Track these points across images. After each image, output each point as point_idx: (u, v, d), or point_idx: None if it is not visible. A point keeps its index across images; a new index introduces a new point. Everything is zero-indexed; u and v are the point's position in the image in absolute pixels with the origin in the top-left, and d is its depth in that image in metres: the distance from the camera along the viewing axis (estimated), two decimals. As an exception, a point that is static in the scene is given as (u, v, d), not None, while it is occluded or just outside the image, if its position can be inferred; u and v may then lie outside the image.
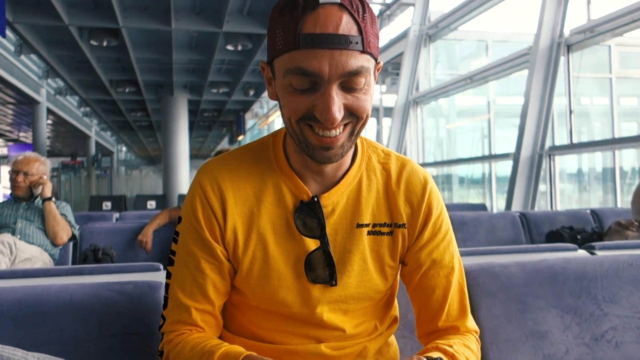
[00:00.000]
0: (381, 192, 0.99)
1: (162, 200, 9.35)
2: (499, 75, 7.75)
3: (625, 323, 1.37)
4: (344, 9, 0.82)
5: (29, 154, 3.23)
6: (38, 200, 3.11)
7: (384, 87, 13.80)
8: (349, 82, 0.84)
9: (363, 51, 0.83)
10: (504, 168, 6.78)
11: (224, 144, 25.02)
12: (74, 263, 3.40)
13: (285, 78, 0.84)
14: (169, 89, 11.56)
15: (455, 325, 0.99)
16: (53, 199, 3.12)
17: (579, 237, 3.82)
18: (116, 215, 5.29)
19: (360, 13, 0.84)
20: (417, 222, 0.98)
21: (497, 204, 8.41)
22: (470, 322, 1.02)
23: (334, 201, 0.96)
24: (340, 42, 0.81)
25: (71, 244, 3.32)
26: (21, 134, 22.51)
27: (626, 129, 10.39)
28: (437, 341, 0.93)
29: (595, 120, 9.04)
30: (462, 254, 1.51)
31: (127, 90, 11.58)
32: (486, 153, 9.21)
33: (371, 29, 0.85)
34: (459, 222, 3.95)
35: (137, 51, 8.69)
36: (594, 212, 4.26)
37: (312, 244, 0.94)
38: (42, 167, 3.16)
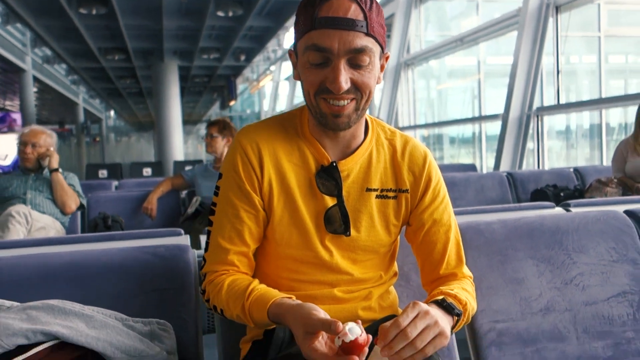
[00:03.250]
0: (388, 162, 1.17)
1: (158, 168, 9.46)
2: (489, 36, 7.83)
3: (592, 269, 1.57)
4: (354, 1, 1.01)
5: (36, 127, 3.35)
6: (46, 171, 3.24)
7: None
8: (355, 59, 1.03)
9: (367, 34, 1.02)
10: (494, 127, 6.93)
11: (215, 109, 24.96)
12: (83, 231, 3.57)
13: (304, 55, 1.04)
14: (159, 56, 11.52)
15: (454, 272, 1.19)
16: (60, 169, 3.26)
17: (562, 194, 4.02)
18: (115, 183, 5.43)
19: (368, 4, 1.03)
20: (419, 188, 1.18)
21: (487, 163, 8.58)
22: (466, 269, 1.22)
23: (349, 167, 1.14)
24: (348, 24, 1.00)
25: (79, 212, 3.47)
26: (7, 102, 22.29)
27: (614, 86, 10.54)
28: (440, 287, 1.12)
29: (584, 79, 9.17)
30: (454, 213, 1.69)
31: (116, 57, 11.53)
32: (476, 114, 9.33)
33: (376, 17, 1.04)
34: (450, 182, 4.13)
35: (127, 18, 8.66)
36: (577, 171, 4.46)
37: (330, 202, 1.12)
38: (49, 139, 3.29)
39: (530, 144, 6.70)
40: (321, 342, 0.89)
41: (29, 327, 1.02)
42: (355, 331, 0.86)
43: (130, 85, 16.39)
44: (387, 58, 1.09)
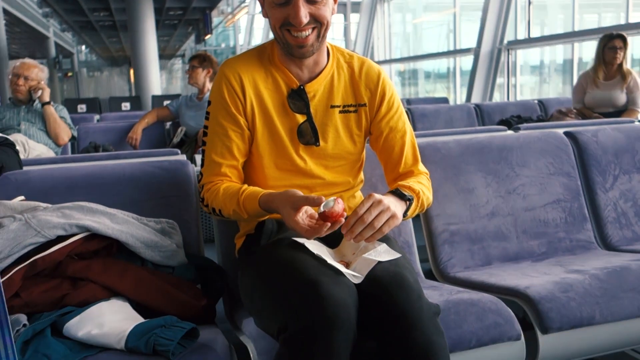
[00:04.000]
0: (348, 82, 1.39)
1: (137, 102, 9.50)
2: (464, -32, 7.86)
3: (532, 181, 1.85)
4: None
5: (28, 60, 3.46)
6: (37, 104, 3.38)
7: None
8: None
9: None
10: (469, 62, 7.10)
11: (190, 44, 24.45)
12: (74, 160, 3.75)
13: None
14: (133, -13, 11.24)
15: (411, 170, 1.43)
16: (51, 102, 3.40)
17: (525, 124, 4.30)
18: (96, 117, 5.56)
19: None
20: (375, 101, 1.40)
21: (461, 97, 8.78)
22: (422, 167, 1.46)
23: (315, 89, 1.35)
24: None
25: (69, 142, 3.64)
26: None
27: (588, 20, 10.69)
28: (398, 182, 1.37)
29: (559, 12, 9.28)
30: (418, 136, 1.93)
31: (89, -11, 11.22)
32: (452, 48, 9.44)
33: None
34: (421, 114, 4.38)
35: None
36: (540, 102, 4.72)
37: (300, 118, 1.35)
38: (40, 73, 3.41)
39: (502, 79, 6.92)
40: (303, 217, 1.14)
41: (66, 221, 1.25)
42: (329, 204, 1.11)
43: (103, 18, 15.96)
44: None
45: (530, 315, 1.33)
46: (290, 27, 1.26)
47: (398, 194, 1.25)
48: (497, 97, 7.05)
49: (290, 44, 1.28)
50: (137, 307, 1.22)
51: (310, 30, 1.26)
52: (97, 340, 1.08)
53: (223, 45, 26.32)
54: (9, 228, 1.22)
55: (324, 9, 1.26)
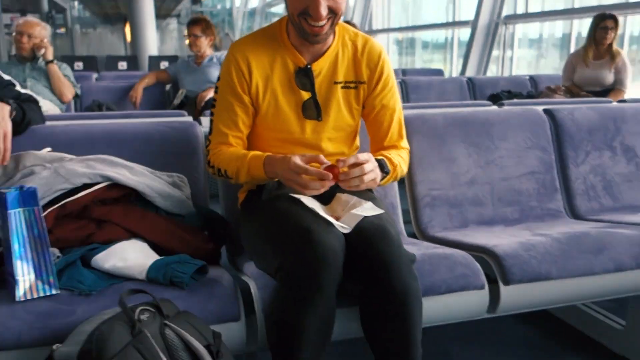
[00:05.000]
0: (350, 59, 1.51)
1: (133, 62, 9.54)
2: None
3: (510, 153, 2.03)
4: None
5: (31, 18, 3.56)
6: (40, 61, 3.49)
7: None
8: None
9: None
10: (468, 33, 7.17)
11: (185, 4, 24.14)
12: (78, 117, 3.88)
13: None
14: (131, -56, 11.13)
15: (394, 144, 1.59)
16: (55, 61, 3.51)
17: (515, 99, 4.45)
18: (95, 75, 5.65)
19: None
20: (373, 80, 1.53)
21: (458, 68, 8.83)
22: (405, 143, 1.61)
23: (320, 67, 1.49)
24: None
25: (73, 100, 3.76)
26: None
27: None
28: (382, 152, 1.53)
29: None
30: (407, 108, 2.08)
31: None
32: (450, 20, 9.47)
33: None
34: (414, 85, 4.52)
35: None
36: (531, 78, 4.87)
37: (305, 95, 1.49)
38: (43, 31, 3.51)
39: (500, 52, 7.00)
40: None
41: (90, 171, 1.42)
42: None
43: (99, -27, 15.75)
44: None
45: (495, 269, 1.52)
46: (308, 17, 1.35)
47: (380, 163, 1.41)
48: (494, 70, 7.15)
49: (306, 31, 1.38)
50: (154, 247, 1.39)
51: (326, 21, 1.36)
52: (122, 272, 1.26)
53: (219, 6, 26.00)
54: (40, 175, 1.38)
55: (341, 1, 1.36)
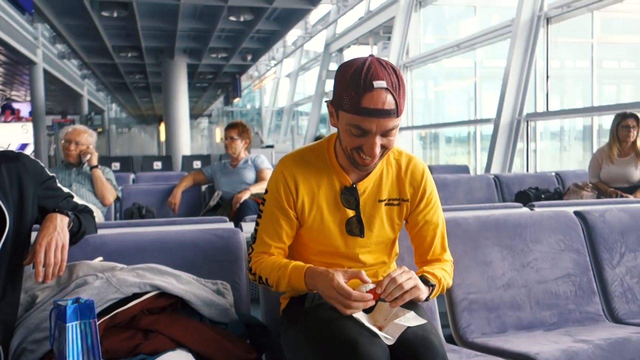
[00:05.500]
0: (394, 178, 1.56)
1: (167, 162, 9.93)
2: (485, 43, 8.27)
3: (544, 256, 2.04)
4: (388, 91, 1.33)
5: (79, 126, 3.81)
6: (86, 166, 3.69)
7: (375, 50, 14.19)
8: (386, 133, 1.41)
9: (397, 116, 1.37)
10: (490, 127, 7.34)
11: (217, 104, 25.37)
12: (119, 218, 4.03)
13: (347, 126, 1.38)
14: (170, 54, 11.94)
15: (438, 258, 1.62)
16: (99, 166, 3.71)
17: (543, 196, 4.47)
18: (132, 176, 5.89)
19: (398, 91, 1.34)
20: (417, 198, 1.58)
21: (482, 161, 8.92)
22: (448, 255, 1.64)
23: (365, 186, 1.53)
24: (384, 114, 1.34)
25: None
26: (13, 92, 22.66)
27: (608, 90, 10.98)
28: (424, 267, 1.56)
29: (578, 83, 9.58)
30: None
31: (129, 55, 11.94)
32: (472, 116, 9.73)
33: (403, 99, 1.36)
34: (442, 183, 4.59)
35: (144, 20, 9.09)
36: (557, 175, 4.92)
37: (350, 213, 1.54)
38: (90, 138, 3.74)
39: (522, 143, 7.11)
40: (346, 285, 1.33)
41: (140, 281, 1.48)
42: (370, 286, 1.33)
43: (138, 80, 16.80)
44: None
45: (540, 378, 1.50)
46: (361, 152, 1.40)
47: (423, 280, 1.44)
48: (517, 163, 7.23)
49: (356, 161, 1.43)
50: (197, 357, 1.42)
51: (378, 157, 1.42)
52: (170, 383, 1.29)
53: (249, 106, 27.25)
54: (93, 285, 1.45)
55: (393, 139, 1.40)
